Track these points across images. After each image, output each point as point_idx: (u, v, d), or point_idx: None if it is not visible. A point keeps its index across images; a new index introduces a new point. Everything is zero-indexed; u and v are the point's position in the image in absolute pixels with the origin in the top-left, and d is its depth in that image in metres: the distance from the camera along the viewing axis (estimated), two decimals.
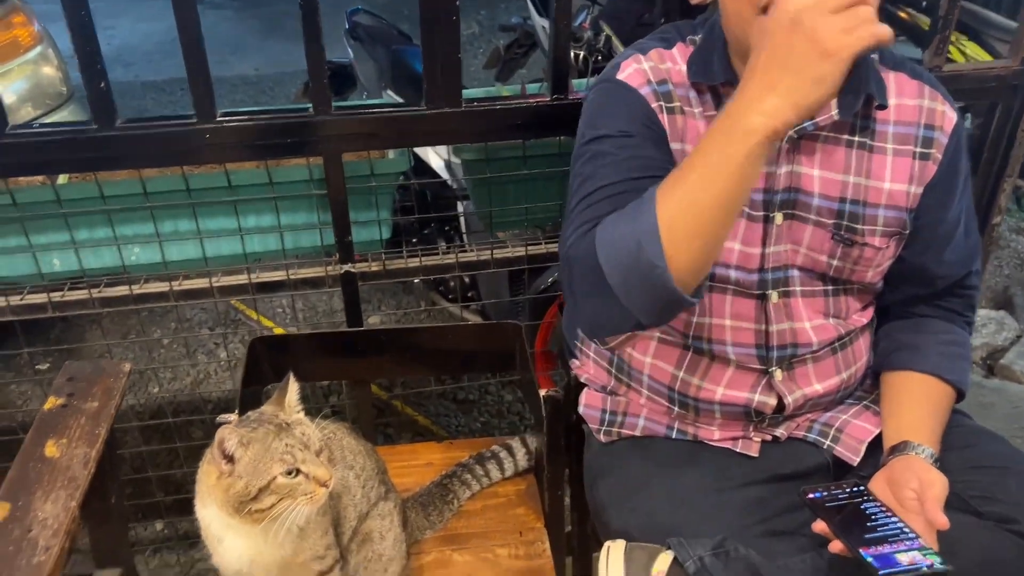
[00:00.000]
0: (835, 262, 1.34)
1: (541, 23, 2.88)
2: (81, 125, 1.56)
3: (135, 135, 1.57)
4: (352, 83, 3.72)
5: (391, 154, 1.86)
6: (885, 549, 1.03)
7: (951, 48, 2.77)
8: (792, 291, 1.37)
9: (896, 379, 1.38)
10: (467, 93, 1.69)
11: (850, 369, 1.43)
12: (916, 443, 1.28)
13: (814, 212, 1.30)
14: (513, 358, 1.81)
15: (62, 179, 1.79)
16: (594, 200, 1.18)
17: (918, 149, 1.30)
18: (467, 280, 3.19)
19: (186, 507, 2.69)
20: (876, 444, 1.40)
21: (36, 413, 1.39)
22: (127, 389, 1.47)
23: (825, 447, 1.45)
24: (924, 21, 2.49)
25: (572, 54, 2.38)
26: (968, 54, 2.95)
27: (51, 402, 1.42)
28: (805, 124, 1.23)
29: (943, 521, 1.14)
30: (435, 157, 2.98)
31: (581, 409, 1.59)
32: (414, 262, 1.88)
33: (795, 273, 1.36)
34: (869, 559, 1.01)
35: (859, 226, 1.31)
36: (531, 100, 1.73)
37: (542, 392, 1.60)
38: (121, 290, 1.77)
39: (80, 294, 1.75)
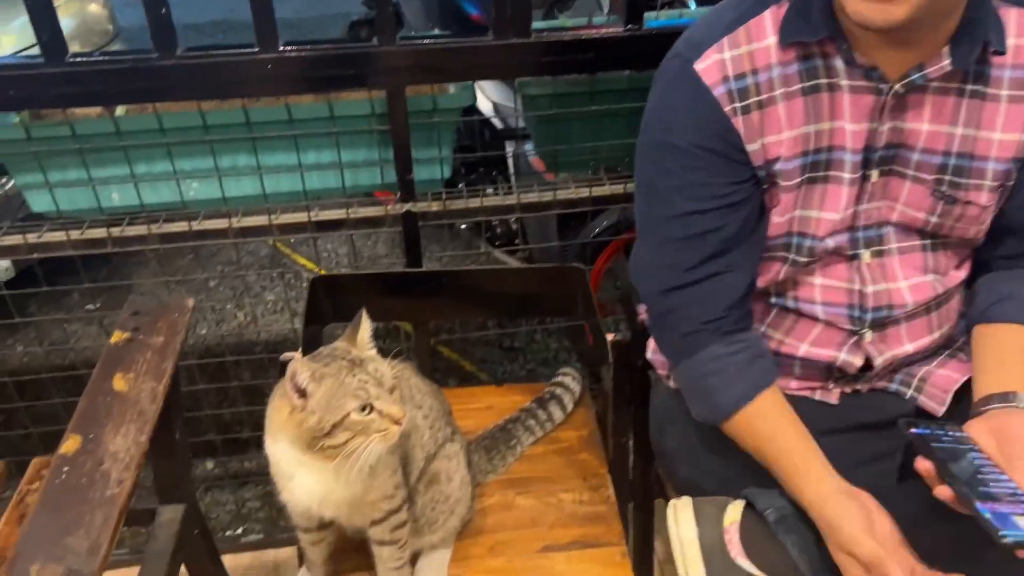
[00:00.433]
0: (934, 219, 1.26)
1: None
2: (141, 54, 1.52)
3: (196, 65, 1.52)
4: (399, 22, 3.64)
5: (452, 88, 1.79)
6: (1001, 508, 0.91)
7: None
8: (887, 249, 1.29)
9: (997, 332, 1.30)
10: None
11: (943, 328, 1.36)
12: None
13: (913, 167, 1.21)
14: (574, 302, 1.76)
15: (120, 111, 1.75)
16: (665, 235, 1.26)
17: None
18: (514, 226, 3.13)
19: (237, 447, 2.73)
20: (961, 393, 1.34)
21: (87, 351, 1.37)
22: (190, 326, 1.45)
23: (908, 396, 1.38)
24: None
25: None
26: None
27: (117, 336, 1.40)
28: (913, 76, 1.15)
29: None
30: (483, 99, 2.90)
31: (649, 355, 1.54)
32: (474, 202, 1.82)
33: (890, 231, 1.28)
34: (988, 515, 0.91)
35: (964, 180, 1.22)
36: (602, 31, 1.65)
37: (609, 337, 1.56)
38: (180, 226, 1.74)
39: (139, 229, 1.73)
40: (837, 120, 1.19)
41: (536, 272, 1.78)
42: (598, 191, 1.84)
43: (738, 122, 1.19)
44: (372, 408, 1.13)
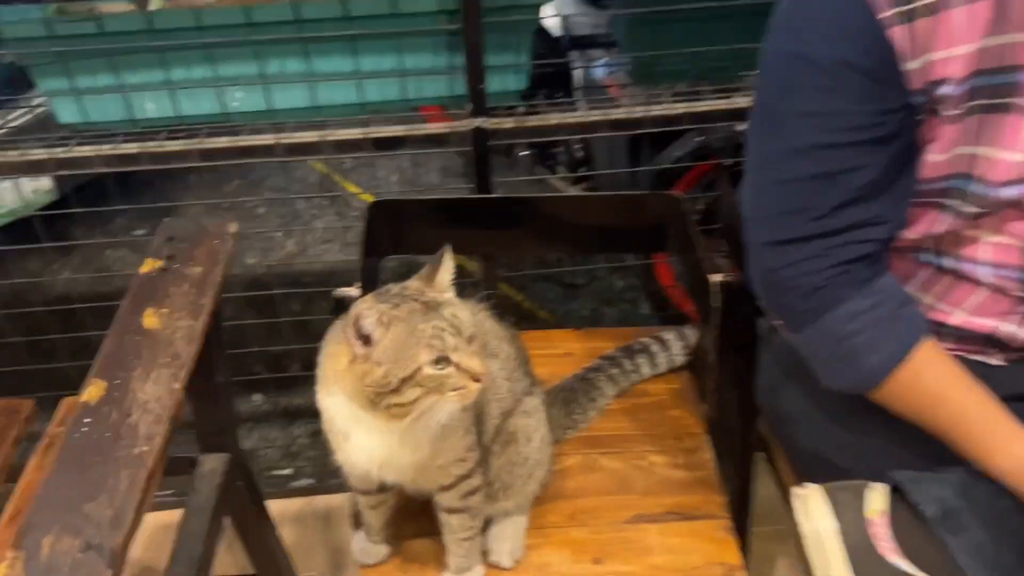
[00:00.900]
0: None
1: None
2: None
3: None
4: None
5: None
6: None
7: None
8: None
9: None
10: None
11: None
12: None
13: None
14: (667, 235, 1.53)
15: (155, 4, 1.54)
16: (786, 174, 1.04)
17: None
18: (579, 152, 2.85)
19: (286, 382, 2.56)
20: None
21: (132, 278, 1.19)
22: (234, 255, 1.26)
23: None
24: None
25: None
26: None
27: (149, 264, 1.21)
28: None
29: None
30: (549, 8, 2.61)
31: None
32: (554, 118, 1.58)
33: None
34: None
35: None
36: None
37: (716, 277, 1.32)
38: (223, 141, 1.54)
39: (178, 145, 1.53)
40: None
41: (624, 200, 1.55)
42: (698, 107, 1.58)
43: (898, 32, 0.92)
44: (449, 361, 0.94)
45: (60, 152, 1.50)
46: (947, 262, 1.08)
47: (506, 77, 1.55)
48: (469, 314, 1.00)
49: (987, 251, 1.05)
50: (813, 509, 1.03)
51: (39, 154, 1.49)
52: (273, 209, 3.68)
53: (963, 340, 1.13)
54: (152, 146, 1.53)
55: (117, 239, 3.29)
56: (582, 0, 2.40)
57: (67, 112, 1.49)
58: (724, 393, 1.40)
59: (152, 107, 1.51)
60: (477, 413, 1.12)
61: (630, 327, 1.59)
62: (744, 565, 1.25)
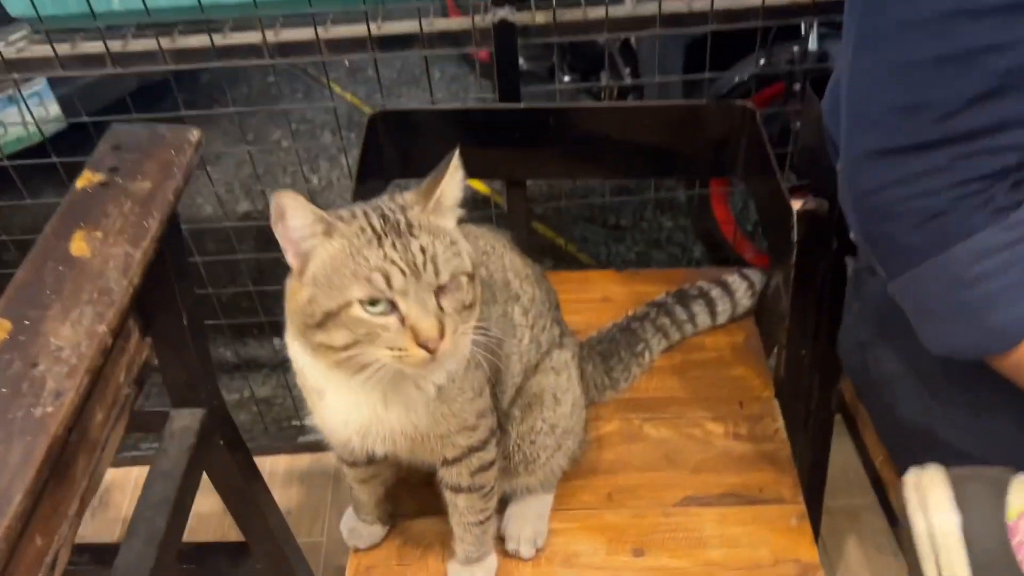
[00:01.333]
0: None
1: None
2: None
3: None
4: None
5: None
6: None
7: None
8: None
9: None
10: None
11: None
12: None
13: None
14: (735, 156, 1.25)
15: None
16: (903, 55, 0.77)
17: None
18: (621, 67, 2.51)
19: None
20: None
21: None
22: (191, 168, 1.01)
23: None
24: None
25: None
26: None
27: (85, 178, 0.98)
28: None
29: None
30: None
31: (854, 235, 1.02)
32: (596, 13, 1.30)
33: None
34: None
35: None
36: None
37: (796, 205, 1.05)
38: (200, 40, 1.29)
39: (146, 44, 1.29)
40: None
41: (684, 112, 1.27)
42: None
43: None
44: (392, 308, 0.72)
45: (10, 52, 1.26)
46: None
47: None
48: (460, 256, 0.76)
49: None
50: (933, 501, 0.77)
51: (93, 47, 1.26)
52: (299, 142, 3.47)
53: None
54: (117, 46, 1.29)
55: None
56: None
57: (16, 5, 1.25)
58: (799, 349, 1.13)
59: (116, 1, 1.27)
60: (493, 370, 0.88)
61: (684, 268, 1.32)
62: (821, 563, 1.00)
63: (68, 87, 2.64)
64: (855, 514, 1.57)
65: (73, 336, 0.81)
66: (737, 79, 1.83)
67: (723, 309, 1.25)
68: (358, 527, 1.02)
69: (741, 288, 1.25)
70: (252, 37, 1.30)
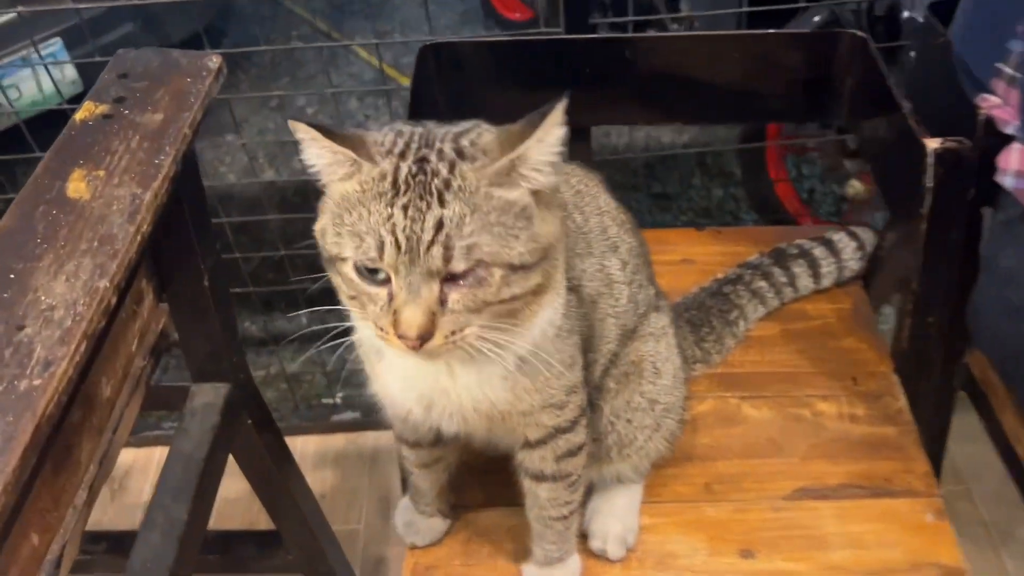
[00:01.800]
0: None
1: None
2: None
3: None
4: None
5: None
6: None
7: None
8: None
9: None
10: None
11: None
12: None
13: None
14: (839, 92, 1.07)
15: None
16: None
17: None
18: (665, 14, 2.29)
19: (335, 298, 2.24)
20: None
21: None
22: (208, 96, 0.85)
23: None
24: None
25: None
26: None
27: (86, 110, 0.82)
28: None
29: None
30: None
31: (1007, 179, 0.85)
32: None
33: None
34: None
35: None
36: None
37: (933, 143, 0.87)
38: None
39: None
40: None
41: (780, 42, 1.08)
42: None
43: None
44: (384, 282, 0.60)
45: None
46: None
47: None
48: (502, 239, 0.59)
49: None
50: None
51: None
52: (323, 108, 3.32)
53: None
54: None
55: None
56: None
57: None
58: (927, 316, 0.96)
59: None
60: (586, 335, 0.71)
61: (779, 226, 1.15)
62: (967, 568, 0.83)
63: (84, 48, 2.49)
64: (966, 499, 1.41)
65: (68, 293, 0.65)
66: (817, 18, 1.63)
67: (827, 271, 1.07)
68: (416, 520, 0.87)
69: (849, 248, 1.07)
70: None
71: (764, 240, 1.13)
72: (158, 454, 1.74)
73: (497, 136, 0.61)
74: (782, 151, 1.98)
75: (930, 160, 0.87)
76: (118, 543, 1.33)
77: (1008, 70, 0.84)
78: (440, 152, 0.59)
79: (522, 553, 0.85)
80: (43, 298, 0.64)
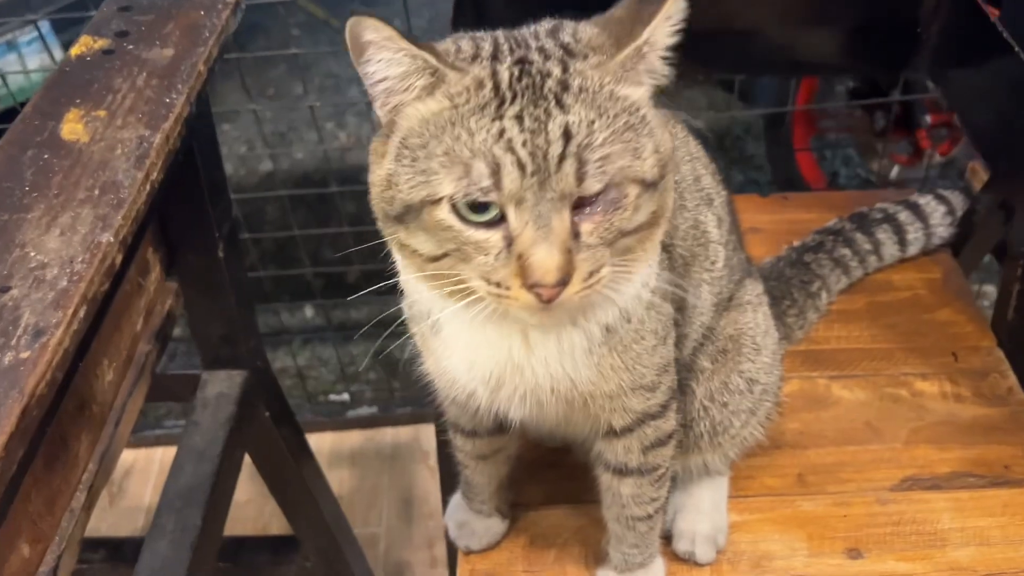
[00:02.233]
0: None
1: None
2: None
3: None
4: None
5: None
6: None
7: None
8: None
9: None
10: None
11: None
12: None
13: None
14: (924, 37, 0.96)
15: None
16: None
17: None
18: None
19: (342, 292, 2.08)
20: None
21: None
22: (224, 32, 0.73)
23: None
24: None
25: None
26: None
27: (83, 45, 0.70)
28: None
29: None
30: None
31: None
32: None
33: None
34: None
35: None
36: None
37: None
38: None
39: None
40: None
41: None
42: None
43: None
44: (501, 217, 0.47)
45: None
46: None
47: None
48: (633, 149, 0.47)
49: None
50: None
51: None
52: (324, 97, 3.20)
53: None
54: None
55: None
56: None
57: None
58: None
59: None
60: (678, 304, 0.60)
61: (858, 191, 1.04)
62: None
63: (74, 33, 2.36)
64: None
65: (63, 249, 0.53)
66: None
67: (915, 237, 0.96)
68: (471, 521, 0.75)
69: (937, 213, 0.96)
70: None
71: (836, 206, 1.02)
72: (160, 455, 1.62)
73: (602, 27, 0.50)
74: (811, 120, 1.88)
75: None
76: (117, 551, 1.22)
77: None
78: (542, 50, 0.48)
79: (593, 557, 0.74)
80: (32, 254, 0.53)
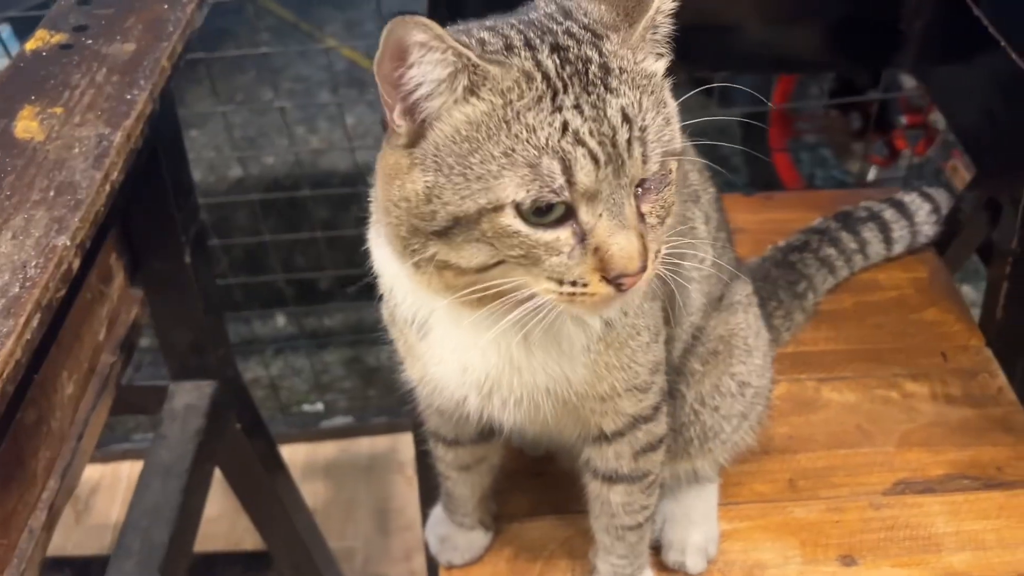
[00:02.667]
0: None
1: None
2: None
3: None
4: None
5: None
6: None
7: None
8: None
9: None
10: None
11: None
12: None
13: None
14: (907, 34, 0.95)
15: None
16: None
17: None
18: None
19: (315, 298, 2.06)
20: None
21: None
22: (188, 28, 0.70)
23: None
24: None
25: None
26: None
27: (39, 39, 0.66)
28: None
29: None
30: None
31: None
32: None
33: None
34: None
35: None
36: None
37: None
38: None
39: None
40: None
41: None
42: None
43: None
44: (568, 214, 0.44)
45: None
46: None
47: None
48: (669, 123, 0.47)
49: None
50: None
51: None
52: (295, 100, 3.16)
53: None
54: None
55: None
56: None
57: None
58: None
59: None
60: (667, 301, 0.57)
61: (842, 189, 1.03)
62: None
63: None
64: None
65: (15, 253, 0.50)
66: None
67: (900, 235, 0.95)
68: (453, 534, 0.72)
69: (923, 211, 0.95)
70: None
71: (820, 205, 1.00)
72: (127, 469, 1.57)
73: (604, 5, 0.48)
74: (787, 122, 1.87)
75: None
76: (83, 570, 1.18)
77: None
78: (570, 34, 0.46)
79: (581, 570, 0.71)
80: None
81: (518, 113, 0.43)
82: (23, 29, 2.23)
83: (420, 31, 0.42)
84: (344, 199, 2.06)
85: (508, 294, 0.46)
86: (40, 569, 0.66)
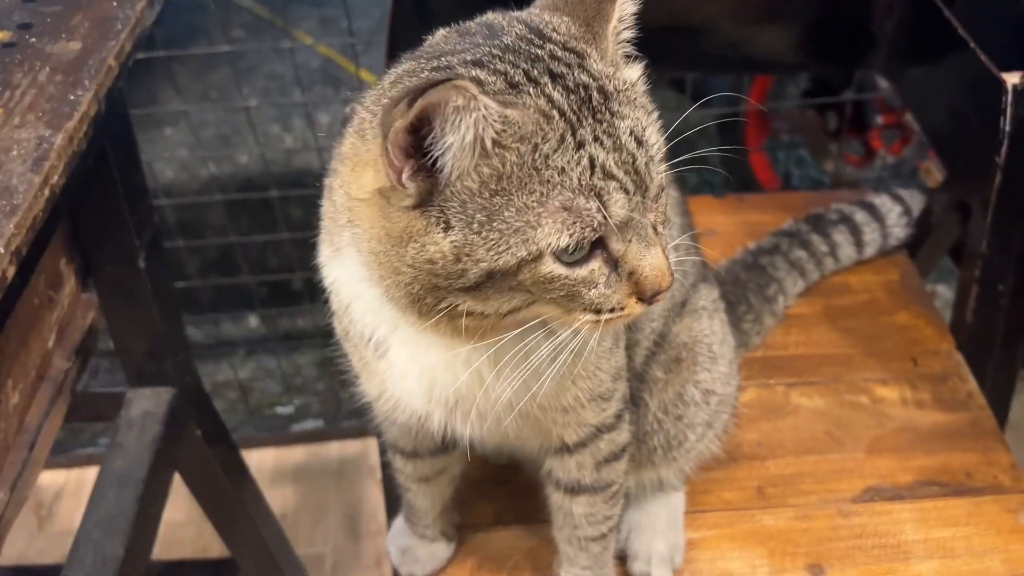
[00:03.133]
0: None
1: None
2: None
3: None
4: None
5: None
6: None
7: None
8: None
9: None
10: None
11: None
12: None
13: None
14: (879, 32, 0.94)
15: None
16: None
17: None
18: None
19: (287, 299, 2.03)
20: None
21: None
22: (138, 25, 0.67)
23: None
24: None
25: None
26: None
27: None
28: None
29: None
30: None
31: None
32: None
33: None
34: None
35: None
36: None
37: (1012, 79, 0.74)
38: None
39: None
40: None
41: None
42: None
43: None
44: (596, 247, 0.44)
45: None
46: None
47: None
48: (658, 132, 0.46)
49: None
50: None
51: None
52: (268, 99, 3.12)
53: None
54: None
55: None
56: None
57: None
58: (998, 284, 0.83)
59: None
60: None
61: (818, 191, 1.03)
62: None
63: None
64: None
65: None
66: None
67: (871, 238, 0.94)
68: (414, 546, 0.70)
69: (893, 213, 0.94)
70: None
71: (792, 207, 1.00)
72: (92, 475, 1.53)
73: (567, 13, 0.47)
74: (763, 122, 1.87)
75: (1009, 98, 0.74)
76: None
77: None
78: (557, 59, 0.44)
79: None
80: None
81: (546, 157, 0.42)
82: None
83: (461, 95, 0.39)
84: (318, 199, 2.03)
85: (520, 325, 0.46)
86: None
